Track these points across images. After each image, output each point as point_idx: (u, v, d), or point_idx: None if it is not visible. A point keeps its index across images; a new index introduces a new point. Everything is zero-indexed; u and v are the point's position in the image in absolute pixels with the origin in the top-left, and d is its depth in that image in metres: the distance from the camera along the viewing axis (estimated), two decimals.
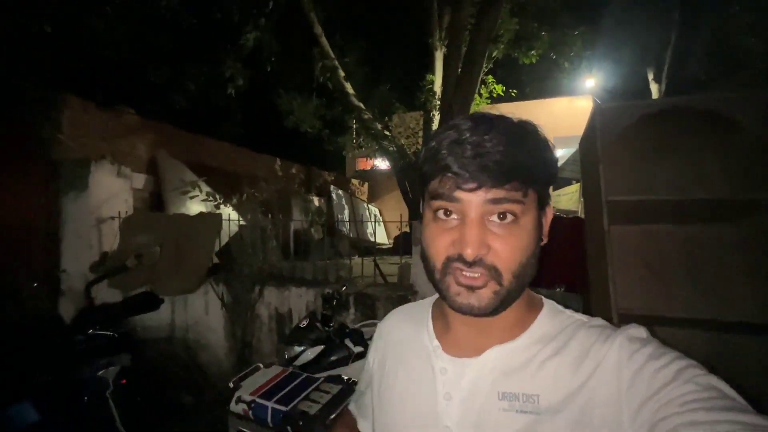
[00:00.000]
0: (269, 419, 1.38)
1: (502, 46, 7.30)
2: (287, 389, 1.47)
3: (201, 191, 3.43)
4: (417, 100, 7.92)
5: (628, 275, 1.46)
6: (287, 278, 2.95)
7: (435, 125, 7.73)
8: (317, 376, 1.61)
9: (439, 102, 7.51)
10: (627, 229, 1.54)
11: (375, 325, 2.11)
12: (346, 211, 8.00)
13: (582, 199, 1.64)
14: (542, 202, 0.52)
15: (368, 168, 11.09)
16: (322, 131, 7.96)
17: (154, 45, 6.21)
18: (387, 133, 7.80)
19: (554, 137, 8.61)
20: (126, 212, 3.74)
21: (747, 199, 1.43)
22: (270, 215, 3.34)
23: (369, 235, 8.63)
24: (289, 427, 1.34)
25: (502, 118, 0.50)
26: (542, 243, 0.54)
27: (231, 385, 1.56)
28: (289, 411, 1.36)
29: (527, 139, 0.50)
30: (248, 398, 1.44)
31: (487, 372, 0.52)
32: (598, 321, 0.54)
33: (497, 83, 7.74)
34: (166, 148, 5.02)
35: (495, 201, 0.48)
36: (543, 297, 0.59)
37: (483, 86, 7.53)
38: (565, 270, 2.19)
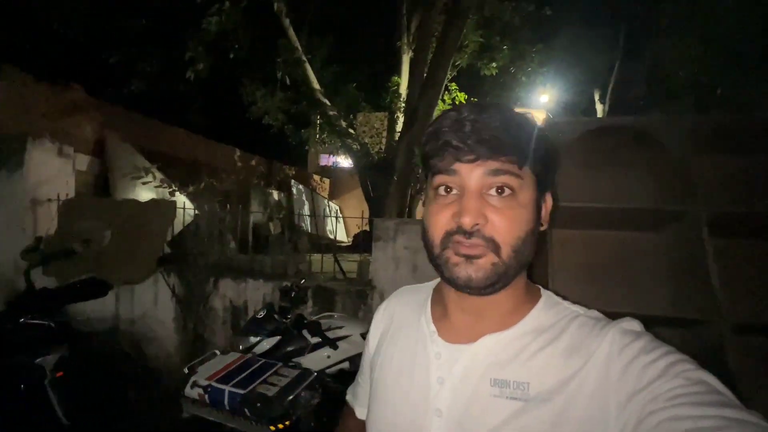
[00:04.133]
0: (226, 402, 1.39)
1: (466, 56, 7.59)
2: (245, 374, 1.49)
3: (155, 178, 3.28)
4: (383, 100, 8.02)
5: (565, 274, 1.63)
6: (244, 271, 2.90)
7: (399, 127, 7.88)
8: (274, 361, 1.63)
9: (404, 104, 7.68)
10: (567, 233, 1.71)
11: (332, 317, 2.17)
12: (307, 207, 7.93)
13: None
14: (541, 185, 0.54)
15: (330, 165, 11.05)
16: (286, 125, 7.83)
17: (111, 21, 5.80)
18: (351, 131, 7.84)
19: None
20: (67, 195, 3.48)
21: (668, 210, 1.64)
22: (227, 206, 3.27)
23: (329, 232, 8.61)
24: (246, 410, 1.36)
25: (501, 104, 0.53)
26: (542, 228, 0.55)
27: (186, 370, 1.54)
28: (247, 394, 1.37)
29: (524, 122, 0.51)
30: (204, 383, 1.44)
31: (480, 359, 0.53)
32: (594, 313, 0.55)
33: (460, 91, 8.03)
34: (116, 131, 4.71)
35: (492, 172, 0.49)
36: (542, 288, 0.60)
37: (446, 93, 7.78)
38: None
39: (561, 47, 7.45)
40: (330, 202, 9.76)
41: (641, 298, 1.60)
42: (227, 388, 1.39)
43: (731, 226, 1.59)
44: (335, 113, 7.74)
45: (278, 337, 1.89)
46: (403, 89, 8.02)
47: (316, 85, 7.06)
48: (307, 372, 1.56)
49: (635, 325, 0.50)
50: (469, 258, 0.50)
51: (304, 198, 8.00)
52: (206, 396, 1.42)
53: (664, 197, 1.73)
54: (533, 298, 0.57)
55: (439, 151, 0.52)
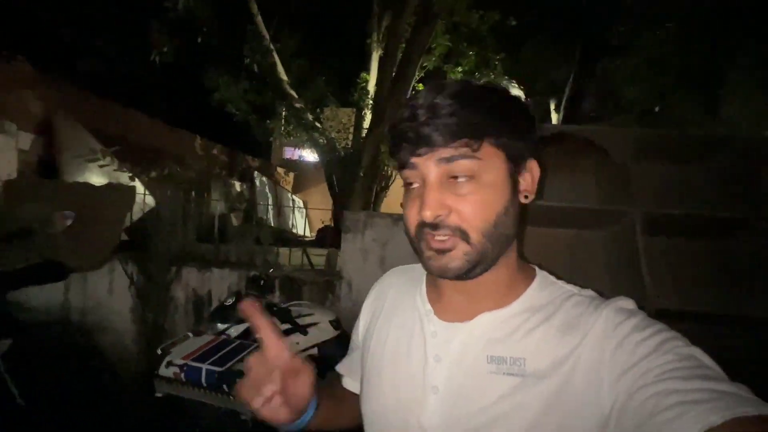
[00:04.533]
0: (203, 380, 1.42)
1: (434, 59, 7.80)
2: (221, 353, 1.51)
3: (112, 161, 3.13)
4: (351, 96, 8.05)
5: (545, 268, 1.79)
6: (209, 260, 2.85)
7: (366, 123, 7.96)
8: (250, 342, 1.66)
9: (371, 101, 7.76)
10: (527, 229, 1.87)
11: (301, 305, 2.21)
12: (270, 199, 7.79)
13: None
14: (514, 156, 0.52)
15: (295, 158, 10.89)
16: (249, 115, 7.64)
17: None
18: (318, 125, 7.81)
19: None
20: (9, 175, 3.23)
21: (610, 210, 1.85)
22: (187, 195, 3.19)
23: (292, 226, 8.52)
24: (225, 386, 1.39)
25: (458, 82, 0.51)
26: (527, 200, 0.54)
27: (159, 351, 1.54)
28: (225, 371, 1.40)
29: (481, 96, 0.50)
30: (180, 362, 1.46)
31: (476, 336, 0.53)
32: (588, 292, 0.55)
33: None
34: (67, 110, 4.39)
35: (446, 160, 0.49)
36: (537, 267, 0.59)
37: (413, 93, 7.92)
38: None
39: (522, 58, 7.86)
40: (294, 196, 9.63)
41: (588, 287, 1.80)
42: (204, 366, 1.42)
43: (661, 226, 1.82)
44: (302, 106, 7.68)
45: (246, 324, 1.91)
46: (372, 86, 8.10)
47: (284, 76, 6.96)
48: None
49: (629, 303, 0.51)
50: (440, 251, 0.50)
51: (267, 190, 7.85)
52: (182, 374, 1.44)
53: (607, 199, 1.94)
54: (528, 277, 0.57)
55: (398, 146, 0.52)
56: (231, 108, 7.33)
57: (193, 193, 3.11)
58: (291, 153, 10.86)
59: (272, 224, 7.05)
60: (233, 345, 1.60)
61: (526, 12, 6.95)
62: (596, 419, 0.45)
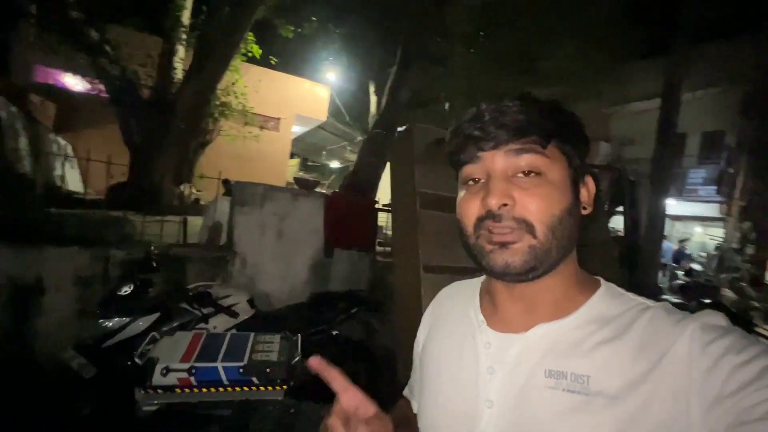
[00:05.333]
0: (223, 377, 1.34)
1: (265, 8, 7.22)
2: (224, 348, 1.41)
3: None
4: (160, 23, 6.54)
5: (428, 241, 2.24)
6: (33, 233, 2.01)
7: (179, 59, 6.67)
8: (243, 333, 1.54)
9: (184, 32, 6.54)
10: (428, 212, 2.32)
11: (212, 286, 2.01)
12: (23, 141, 5.62)
13: (391, 188, 2.32)
14: (575, 166, 0.52)
15: (58, 84, 7.92)
16: None
17: None
18: (108, 48, 6.03)
19: (296, 114, 9.40)
20: None
21: None
22: None
23: (57, 179, 6.42)
24: (254, 378, 1.33)
25: (522, 93, 0.52)
26: (585, 212, 0.54)
27: (139, 361, 1.33)
28: (247, 364, 1.36)
29: (545, 104, 0.51)
30: (182, 366, 1.32)
31: (533, 348, 0.51)
32: (665, 305, 0.50)
33: (258, 46, 7.61)
34: None
35: (515, 152, 0.49)
36: (602, 279, 0.57)
37: (243, 42, 7.18)
38: (359, 236, 2.85)
39: (348, 34, 8.28)
40: (58, 137, 7.10)
41: (464, 255, 2.45)
42: (219, 364, 1.32)
43: (432, 269, 2.62)
44: (80, 15, 5.74)
45: (157, 314, 1.64)
46: (187, 18, 6.80)
47: None
48: (287, 335, 1.58)
49: (719, 319, 0.46)
50: (503, 245, 0.48)
51: (18, 126, 5.57)
52: (192, 378, 1.31)
53: None
54: (590, 288, 0.54)
55: (462, 145, 0.52)
56: None
57: None
58: (49, 75, 7.78)
59: (31, 176, 5.19)
60: (227, 338, 1.49)
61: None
62: None
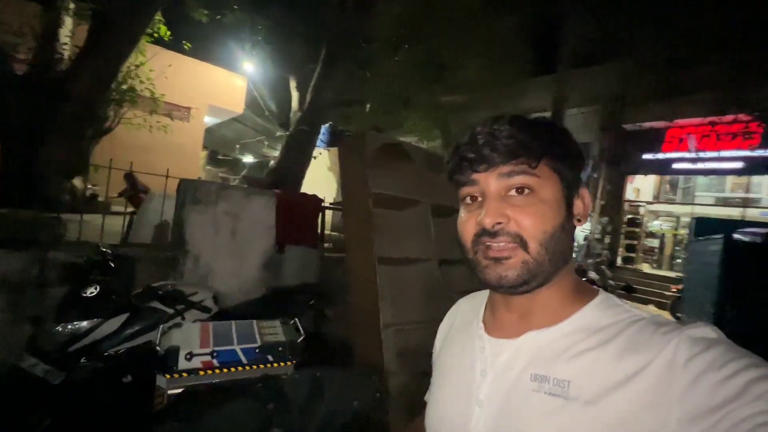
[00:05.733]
0: (242, 357, 1.57)
1: None
2: (235, 334, 1.63)
3: None
4: None
5: (382, 236, 2.50)
6: None
7: (68, 33, 5.79)
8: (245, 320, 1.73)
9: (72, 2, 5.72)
10: (380, 210, 2.57)
11: (177, 284, 1.99)
12: None
13: (341, 189, 2.52)
14: (567, 182, 0.54)
15: None
16: None
17: None
18: None
19: (209, 105, 8.90)
20: None
21: (412, 199, 2.85)
22: None
23: None
24: (269, 356, 1.59)
25: (516, 114, 0.55)
26: (579, 224, 0.56)
27: (160, 349, 1.48)
28: (263, 344, 1.61)
29: (537, 124, 0.54)
30: (204, 350, 1.52)
31: (522, 353, 0.54)
32: (660, 318, 0.51)
33: (169, 28, 6.97)
34: None
35: (506, 175, 0.52)
36: (600, 290, 0.58)
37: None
38: (308, 233, 3.01)
39: (268, 26, 8.09)
40: None
41: (413, 247, 2.76)
42: (236, 347, 1.56)
43: (444, 211, 3.02)
44: None
45: (126, 315, 1.62)
46: None
47: None
48: (285, 320, 1.75)
49: (708, 331, 0.46)
50: (498, 260, 0.52)
51: None
52: (214, 360, 1.51)
53: (413, 191, 2.95)
54: (585, 299, 0.56)
55: (459, 166, 0.55)
56: None
57: None
58: None
59: None
60: (232, 325, 1.69)
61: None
62: None
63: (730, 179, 9.97)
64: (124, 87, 6.08)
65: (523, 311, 0.57)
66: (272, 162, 9.22)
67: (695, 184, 10.67)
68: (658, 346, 0.45)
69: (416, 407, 0.68)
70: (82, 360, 1.50)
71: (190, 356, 1.48)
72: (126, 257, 1.89)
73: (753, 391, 0.38)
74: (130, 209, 5.19)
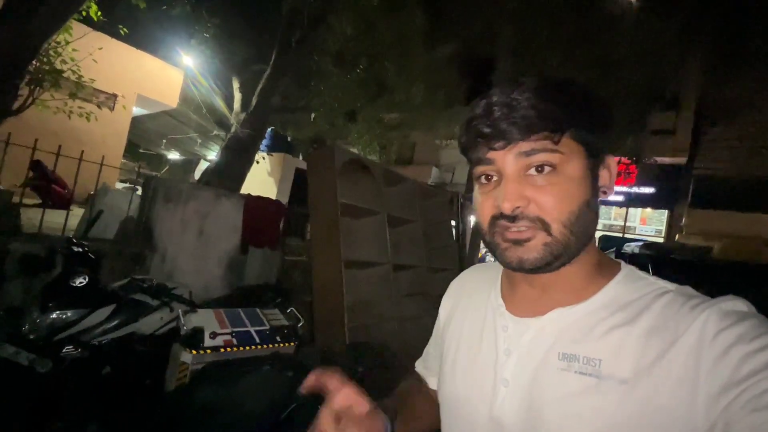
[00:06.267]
0: (256, 337, 1.80)
1: None
2: (245, 318, 1.86)
3: None
4: None
5: (347, 242, 2.74)
6: None
7: None
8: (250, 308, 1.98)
9: None
10: (346, 219, 2.82)
11: (152, 279, 2.02)
12: None
13: (310, 196, 2.70)
14: (593, 150, 0.50)
15: None
16: None
17: None
18: None
19: (139, 95, 8.38)
20: None
21: (372, 209, 3.16)
22: None
23: None
24: (277, 337, 1.84)
25: (535, 77, 0.50)
26: (606, 195, 0.52)
27: (187, 329, 1.65)
28: (271, 328, 1.85)
29: (559, 89, 0.49)
30: (225, 330, 1.73)
31: (547, 332, 0.52)
32: (687, 290, 0.49)
33: (100, 8, 6.44)
34: None
35: (527, 153, 0.48)
36: (623, 262, 0.55)
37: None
38: (270, 235, 3.18)
39: (225, 30, 7.88)
40: None
41: (372, 253, 3.05)
42: (250, 329, 1.79)
43: (397, 222, 3.36)
44: None
45: (113, 305, 1.68)
46: None
47: None
48: (283, 309, 2.05)
49: (739, 304, 0.45)
50: (517, 242, 0.49)
51: None
52: (234, 339, 1.73)
53: (371, 201, 3.27)
54: (610, 273, 0.53)
55: (473, 142, 0.51)
56: None
57: None
58: None
59: None
60: (240, 311, 1.91)
61: None
62: None
63: (614, 210, 12.02)
64: (45, 66, 5.47)
65: (545, 288, 0.55)
66: (209, 163, 8.84)
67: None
68: (687, 320, 0.44)
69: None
70: (66, 349, 1.51)
71: (214, 335, 1.66)
72: (97, 251, 1.88)
73: None
74: (34, 201, 4.67)
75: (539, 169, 0.48)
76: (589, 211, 0.50)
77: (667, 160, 9.68)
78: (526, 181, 0.49)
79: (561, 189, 0.48)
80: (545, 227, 0.48)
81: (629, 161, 8.20)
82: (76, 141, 7.41)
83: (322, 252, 2.78)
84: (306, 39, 7.16)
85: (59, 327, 1.49)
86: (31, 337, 1.46)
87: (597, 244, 0.55)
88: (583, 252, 0.52)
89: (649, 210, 11.11)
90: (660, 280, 0.51)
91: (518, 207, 0.48)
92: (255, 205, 2.90)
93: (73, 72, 6.03)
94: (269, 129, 9.13)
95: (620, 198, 10.70)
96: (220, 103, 9.23)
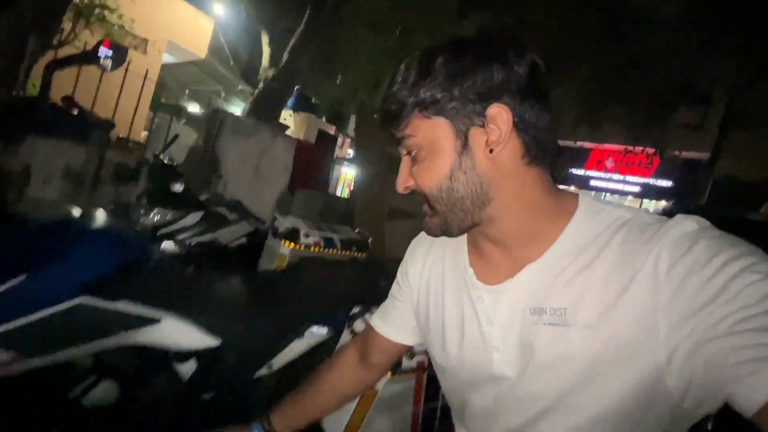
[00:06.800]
0: (338, 243, 2.14)
1: None
2: (324, 228, 2.18)
3: None
4: None
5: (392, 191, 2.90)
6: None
7: None
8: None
9: None
10: (392, 176, 2.97)
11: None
12: None
13: (357, 146, 2.93)
14: (461, 121, 0.49)
15: None
16: None
17: None
18: None
19: (169, 41, 8.33)
20: None
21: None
22: None
23: None
24: (354, 246, 2.20)
25: (416, 57, 0.51)
26: (495, 149, 0.48)
27: (285, 228, 1.97)
28: (348, 238, 2.20)
29: (408, 73, 0.50)
30: (316, 232, 2.06)
31: (519, 293, 0.53)
32: (644, 217, 0.49)
33: None
34: None
35: (397, 141, 0.53)
36: (581, 195, 0.54)
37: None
38: (316, 178, 3.35)
39: None
40: None
41: (410, 204, 3.20)
42: (334, 236, 2.15)
43: (396, 213, 3.46)
44: None
45: (202, 212, 1.89)
46: None
47: None
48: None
49: (690, 224, 0.44)
50: (424, 214, 0.56)
51: None
52: (322, 240, 2.07)
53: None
54: (567, 212, 0.52)
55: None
56: None
57: None
58: None
59: None
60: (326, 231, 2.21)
61: None
62: (649, 370, 0.42)
63: (628, 200, 12.03)
64: (100, 4, 5.49)
65: (500, 241, 0.55)
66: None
67: (605, 200, 12.81)
68: (642, 255, 0.44)
69: None
70: (165, 243, 1.72)
71: (307, 235, 1.97)
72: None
73: (733, 287, 0.37)
74: None
75: (409, 152, 0.53)
76: (454, 181, 0.50)
77: (691, 154, 9.63)
78: (411, 162, 0.54)
79: (426, 165, 0.51)
80: (428, 201, 0.53)
81: (653, 152, 8.18)
82: (105, 82, 7.42)
83: (368, 198, 2.94)
84: (341, 3, 7.05)
85: (162, 224, 1.69)
86: (138, 229, 1.66)
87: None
88: (512, 198, 0.51)
89: (663, 203, 11.14)
90: (618, 208, 0.51)
91: (407, 187, 0.55)
92: (307, 147, 3.03)
93: (112, 10, 6.04)
94: (295, 88, 9.13)
95: (636, 189, 10.69)
96: (247, 58, 9.17)
